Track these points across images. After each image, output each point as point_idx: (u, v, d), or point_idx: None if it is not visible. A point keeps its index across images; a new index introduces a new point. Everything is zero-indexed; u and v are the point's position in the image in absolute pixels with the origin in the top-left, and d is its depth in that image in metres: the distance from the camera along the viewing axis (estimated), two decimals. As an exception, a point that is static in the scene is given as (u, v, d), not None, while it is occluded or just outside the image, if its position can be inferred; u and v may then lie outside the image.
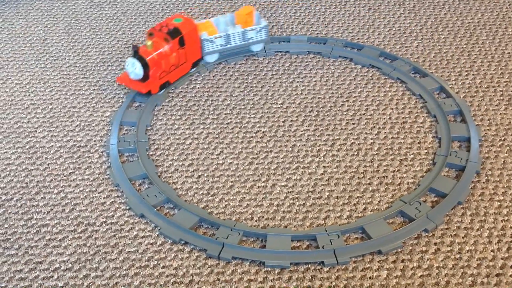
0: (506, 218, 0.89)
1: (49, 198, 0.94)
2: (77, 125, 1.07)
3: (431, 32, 1.29)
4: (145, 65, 1.07)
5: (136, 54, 1.07)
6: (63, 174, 0.98)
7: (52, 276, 0.82)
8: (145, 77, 1.09)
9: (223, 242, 0.86)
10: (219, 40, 1.17)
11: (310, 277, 0.82)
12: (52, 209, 0.92)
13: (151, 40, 1.10)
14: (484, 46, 1.24)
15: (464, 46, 1.25)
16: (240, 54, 1.22)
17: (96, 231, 0.88)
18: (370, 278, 0.82)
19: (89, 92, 1.15)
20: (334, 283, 0.81)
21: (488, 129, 1.04)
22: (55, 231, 0.89)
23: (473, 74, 1.17)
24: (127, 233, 0.88)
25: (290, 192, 0.94)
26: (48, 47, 1.28)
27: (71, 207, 0.92)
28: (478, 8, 1.36)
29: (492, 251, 0.85)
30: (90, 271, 0.83)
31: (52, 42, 1.29)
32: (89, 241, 0.87)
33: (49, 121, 1.09)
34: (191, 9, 1.38)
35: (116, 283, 0.81)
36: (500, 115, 1.07)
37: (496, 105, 1.10)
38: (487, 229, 0.88)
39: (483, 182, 0.95)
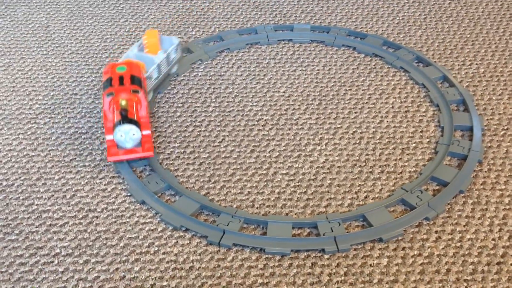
0: (507, 207, 0.89)
1: (50, 184, 0.94)
2: (79, 111, 1.07)
3: (435, 21, 1.28)
4: (139, 126, 0.93)
5: (127, 118, 0.92)
6: (64, 160, 0.98)
7: (53, 262, 0.82)
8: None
9: (224, 229, 0.86)
10: (154, 73, 1.05)
11: (310, 264, 0.82)
12: (53, 195, 0.92)
13: (121, 98, 0.94)
14: (488, 35, 1.24)
15: (468, 35, 1.24)
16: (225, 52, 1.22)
17: (97, 217, 0.89)
18: (370, 265, 0.81)
19: (91, 79, 1.15)
20: (334, 270, 0.81)
21: (491, 119, 1.04)
22: (56, 216, 0.89)
23: (476, 64, 1.16)
24: (127, 220, 0.88)
25: (292, 180, 0.94)
26: (50, 34, 1.27)
27: (72, 193, 0.92)
28: (482, -3, 1.35)
29: (493, 239, 0.84)
30: (91, 256, 0.83)
31: (55, 29, 1.29)
32: (90, 227, 0.87)
33: (50, 107, 1.09)
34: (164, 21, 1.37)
35: (117, 269, 0.81)
36: (503, 105, 1.07)
37: (499, 95, 1.09)
38: (488, 217, 0.87)
39: (485, 171, 0.94)
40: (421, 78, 1.12)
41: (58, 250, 0.84)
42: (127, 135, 0.92)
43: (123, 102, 0.93)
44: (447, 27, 1.26)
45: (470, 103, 1.05)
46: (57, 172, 0.96)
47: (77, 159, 0.98)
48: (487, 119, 1.04)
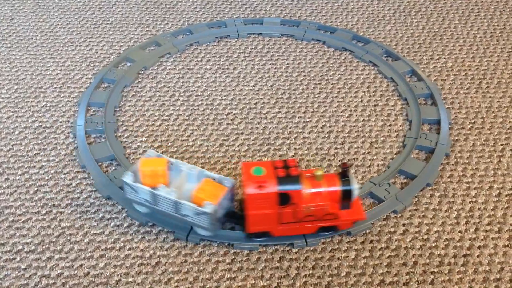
0: (474, 199, 0.90)
1: (13, 179, 0.91)
2: (43, 105, 1.05)
3: (404, 16, 1.29)
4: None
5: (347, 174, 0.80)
6: (28, 155, 0.96)
7: (15, 258, 0.80)
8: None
9: (191, 223, 0.84)
10: None
11: (278, 258, 0.81)
12: (15, 191, 0.90)
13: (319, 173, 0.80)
14: (456, 30, 1.25)
15: (437, 30, 1.25)
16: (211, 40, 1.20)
17: (61, 212, 0.87)
18: (338, 259, 0.81)
19: (56, 73, 1.12)
20: (302, 264, 0.81)
21: (458, 112, 1.05)
22: (19, 212, 0.86)
23: (444, 58, 1.17)
24: (93, 215, 0.86)
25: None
26: (15, 26, 1.24)
27: (36, 189, 0.90)
28: (451, -8, 1.36)
29: (459, 232, 0.85)
30: (54, 253, 0.81)
31: (19, 21, 1.26)
32: (54, 223, 0.85)
33: (14, 101, 1.06)
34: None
35: (81, 265, 0.80)
36: (471, 99, 1.08)
37: (467, 89, 1.10)
38: (455, 210, 0.88)
39: (452, 164, 0.95)
40: (390, 72, 1.12)
41: (20, 247, 0.82)
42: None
43: (319, 173, 0.79)
44: (416, 22, 1.27)
45: (438, 97, 1.06)
46: (20, 167, 0.93)
47: (41, 153, 0.96)
48: (455, 113, 1.05)
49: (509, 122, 1.03)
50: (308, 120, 1.03)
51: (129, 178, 0.82)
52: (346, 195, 0.79)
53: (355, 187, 0.79)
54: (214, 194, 0.79)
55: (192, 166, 0.83)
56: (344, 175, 0.80)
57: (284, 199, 0.78)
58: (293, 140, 0.99)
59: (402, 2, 1.33)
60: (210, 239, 0.83)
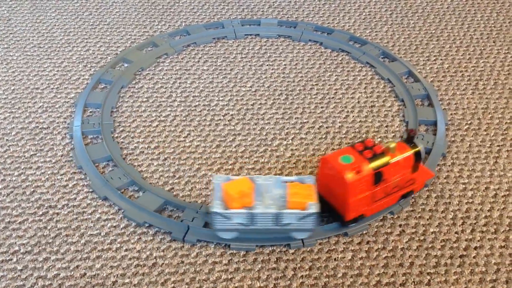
0: (470, 200, 0.90)
1: (10, 180, 0.91)
2: (40, 106, 1.05)
3: (401, 17, 1.29)
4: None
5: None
6: (24, 156, 0.95)
7: (11, 259, 0.80)
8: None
9: (188, 224, 0.84)
10: None
11: (275, 259, 0.81)
12: (12, 191, 0.89)
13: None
14: (452, 31, 1.25)
15: (433, 31, 1.25)
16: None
17: (57, 213, 0.86)
18: (335, 259, 0.81)
19: (53, 73, 1.12)
20: (299, 265, 0.81)
21: (454, 113, 1.05)
22: (15, 213, 0.86)
23: (441, 59, 1.17)
24: (89, 216, 0.86)
25: (258, 174, 0.93)
26: (12, 27, 1.24)
27: (32, 190, 0.90)
28: (448, -6, 1.37)
29: (456, 232, 0.85)
30: (50, 254, 0.81)
31: (16, 22, 1.25)
32: (50, 224, 0.85)
33: (11, 102, 1.06)
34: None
35: (77, 266, 0.80)
36: (467, 100, 1.08)
37: (463, 90, 1.10)
38: (451, 211, 0.88)
39: (449, 165, 0.95)
40: (387, 73, 1.12)
41: (17, 248, 0.82)
42: None
43: (392, 145, 0.82)
44: (413, 23, 1.27)
45: (435, 98, 1.06)
46: (17, 168, 0.93)
47: (37, 154, 0.96)
48: (451, 114, 1.05)
49: (506, 123, 1.03)
50: (305, 121, 1.03)
51: (219, 207, 0.79)
52: (418, 158, 0.83)
53: (422, 147, 0.84)
54: (308, 194, 0.80)
55: (267, 176, 0.83)
56: (410, 141, 0.84)
57: (378, 177, 0.81)
58: (290, 141, 0.99)
59: (399, 3, 1.33)
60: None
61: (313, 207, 0.79)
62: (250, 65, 1.15)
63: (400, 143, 0.84)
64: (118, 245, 0.82)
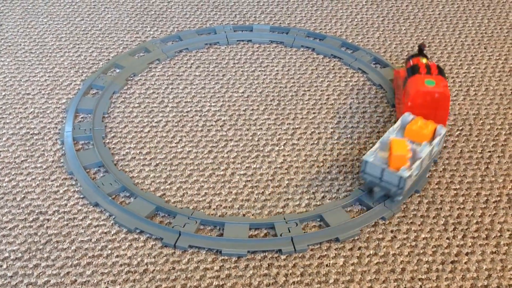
0: (462, 206, 0.90)
1: (0, 186, 0.91)
2: (31, 112, 1.04)
3: (393, 23, 1.30)
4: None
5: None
6: (15, 162, 0.95)
7: (1, 266, 0.80)
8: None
9: (180, 230, 0.84)
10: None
11: (267, 265, 0.81)
12: (2, 198, 0.89)
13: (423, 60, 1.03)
14: (444, 37, 1.26)
15: (425, 37, 1.25)
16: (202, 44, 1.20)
17: (48, 220, 0.86)
18: (327, 265, 0.81)
19: (44, 79, 1.11)
20: (290, 271, 0.80)
21: (446, 119, 1.05)
22: (5, 220, 0.86)
23: (433, 65, 1.17)
24: (80, 222, 0.86)
25: (249, 180, 0.93)
26: (3, 32, 1.24)
27: (23, 196, 0.89)
28: (439, 0, 1.37)
29: (447, 238, 0.85)
30: (41, 260, 0.80)
31: (8, 27, 1.25)
32: (41, 230, 0.84)
33: (1, 107, 1.05)
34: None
35: (68, 273, 0.79)
36: (458, 105, 1.08)
37: (455, 96, 1.11)
38: (443, 217, 0.88)
39: (440, 171, 0.95)
40: (379, 79, 1.13)
41: (7, 254, 0.81)
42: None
43: (424, 60, 1.01)
44: (404, 29, 1.28)
45: (426, 104, 1.07)
46: (7, 174, 0.93)
47: (28, 160, 0.95)
48: (443, 120, 1.05)
49: (497, 129, 1.04)
50: (297, 126, 1.03)
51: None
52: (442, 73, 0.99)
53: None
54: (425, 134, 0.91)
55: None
56: (421, 52, 1.04)
57: None
58: (282, 146, 1.00)
59: (390, 9, 1.34)
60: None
61: (442, 130, 0.90)
62: (242, 71, 1.15)
63: (417, 58, 1.02)
64: (109, 252, 0.82)
